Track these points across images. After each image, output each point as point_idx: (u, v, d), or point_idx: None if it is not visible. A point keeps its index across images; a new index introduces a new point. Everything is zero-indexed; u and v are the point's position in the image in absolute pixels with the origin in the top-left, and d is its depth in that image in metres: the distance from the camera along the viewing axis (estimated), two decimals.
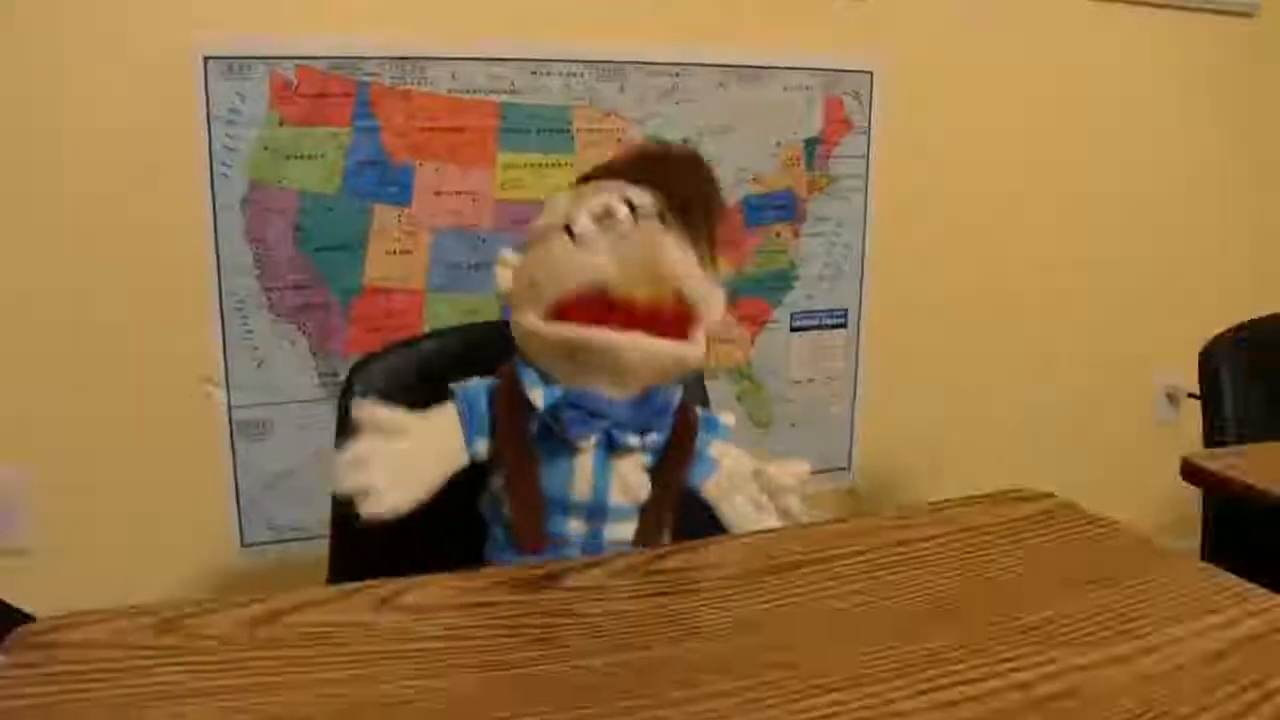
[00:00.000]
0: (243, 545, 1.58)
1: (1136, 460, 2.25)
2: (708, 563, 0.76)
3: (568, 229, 0.87)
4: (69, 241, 1.41)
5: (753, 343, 1.84)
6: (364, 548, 0.92)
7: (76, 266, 1.42)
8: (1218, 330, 1.43)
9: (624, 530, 0.90)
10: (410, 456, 0.85)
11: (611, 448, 0.88)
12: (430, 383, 1.07)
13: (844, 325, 1.92)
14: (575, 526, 0.89)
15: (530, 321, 0.88)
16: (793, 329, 1.87)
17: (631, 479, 0.89)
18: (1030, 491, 0.91)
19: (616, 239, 0.86)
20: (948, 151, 1.95)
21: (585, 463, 0.88)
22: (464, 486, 0.90)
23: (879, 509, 2.03)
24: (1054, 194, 2.07)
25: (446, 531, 0.91)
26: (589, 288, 0.85)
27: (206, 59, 1.44)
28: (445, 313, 1.62)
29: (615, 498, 0.89)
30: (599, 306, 0.85)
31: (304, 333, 1.55)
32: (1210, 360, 1.36)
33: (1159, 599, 0.71)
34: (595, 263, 0.85)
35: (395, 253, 1.58)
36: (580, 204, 0.88)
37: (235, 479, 1.56)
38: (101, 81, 1.39)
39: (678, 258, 0.86)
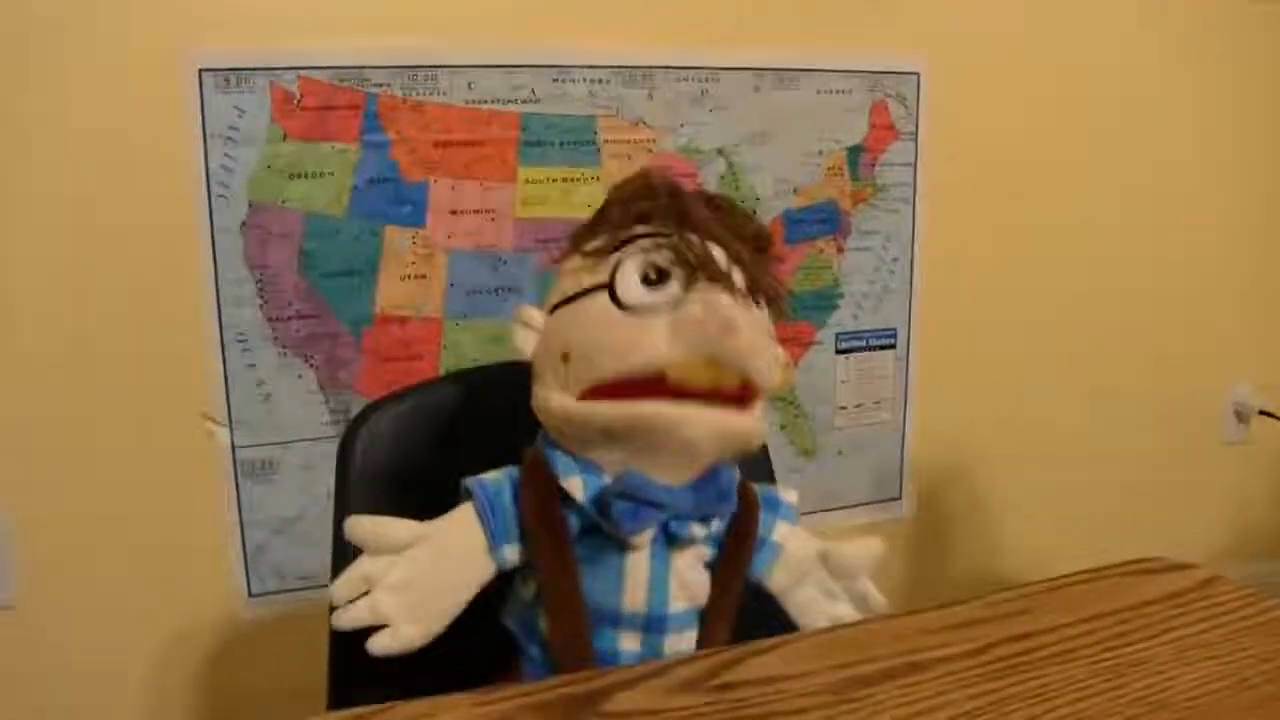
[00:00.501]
0: (250, 596, 1.46)
1: (1203, 483, 2.12)
2: (781, 673, 0.63)
3: (610, 289, 0.72)
4: (57, 269, 1.31)
5: (796, 366, 1.71)
6: (368, 670, 0.80)
7: (65, 296, 1.32)
8: None
9: (685, 642, 0.75)
10: (425, 577, 0.72)
11: (670, 542, 0.74)
12: (446, 435, 0.95)
13: (893, 346, 1.78)
14: (628, 643, 0.74)
15: (563, 404, 0.73)
16: (838, 351, 1.74)
17: (691, 578, 0.74)
18: (1167, 560, 0.78)
19: (671, 309, 0.71)
20: (1002, 157, 1.81)
21: (639, 564, 0.73)
22: (487, 594, 0.76)
23: (935, 543, 1.92)
24: (1117, 200, 1.92)
25: (467, 650, 0.78)
26: (645, 368, 0.70)
27: (202, 71, 1.32)
28: (465, 341, 1.50)
29: (675, 604, 0.74)
30: (653, 385, 0.70)
31: (311, 366, 1.43)
32: None
33: None
34: (652, 345, 0.70)
35: (409, 278, 1.46)
36: (627, 258, 0.73)
37: (240, 525, 1.44)
38: (87, 97, 1.28)
39: (748, 337, 0.70)
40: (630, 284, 0.72)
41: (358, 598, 0.71)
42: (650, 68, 1.54)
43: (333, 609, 0.71)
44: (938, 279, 1.78)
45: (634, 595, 0.73)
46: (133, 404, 1.36)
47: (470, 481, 0.76)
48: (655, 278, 0.72)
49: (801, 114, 1.64)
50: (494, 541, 0.74)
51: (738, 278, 0.73)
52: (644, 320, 0.70)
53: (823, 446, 1.76)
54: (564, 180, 1.51)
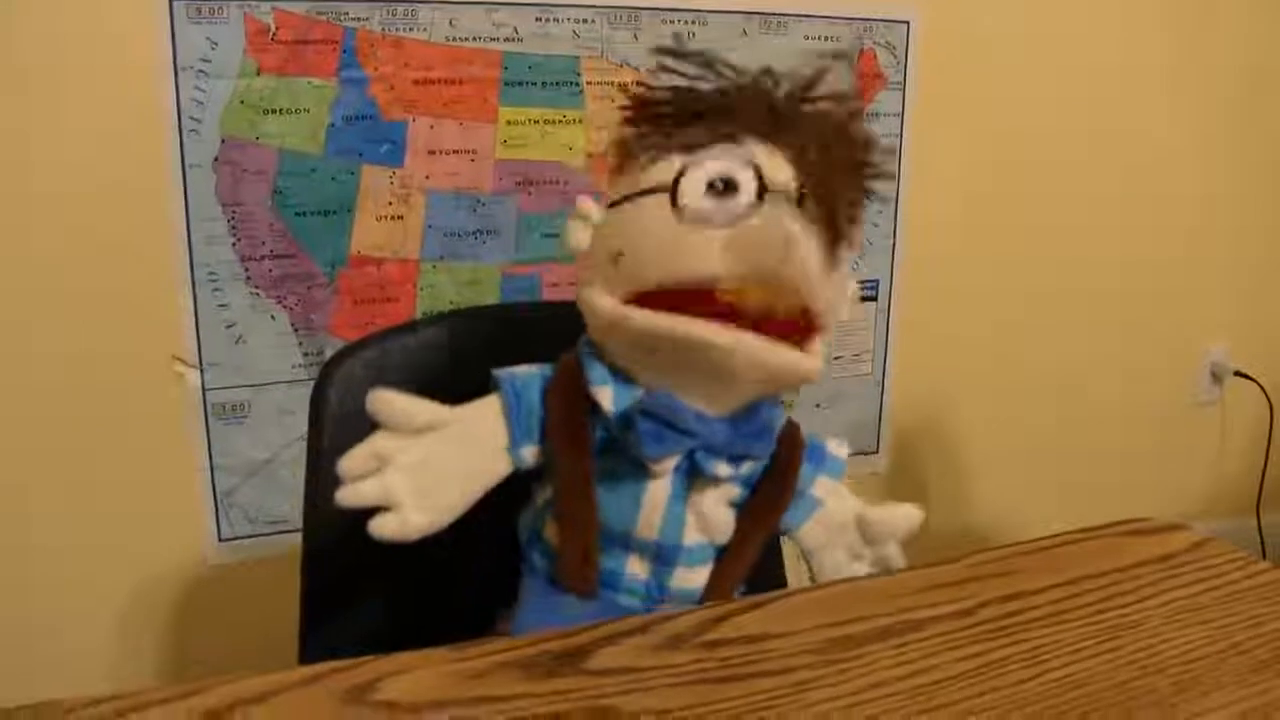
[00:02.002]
0: (220, 540, 1.44)
1: (1179, 443, 2.13)
2: (768, 631, 0.61)
3: (673, 193, 0.66)
4: (20, 204, 1.26)
5: None
6: (341, 617, 0.78)
7: (29, 232, 1.27)
8: (1272, 307, 1.27)
9: (696, 577, 0.72)
10: (440, 463, 0.68)
11: (694, 475, 0.70)
12: (421, 379, 0.93)
13: (874, 298, 1.77)
14: (635, 568, 0.71)
15: (608, 305, 0.68)
16: None
17: (714, 516, 0.70)
18: (1157, 522, 0.76)
19: (735, 222, 0.64)
20: (993, 111, 1.78)
21: (659, 491, 0.70)
22: (499, 492, 0.72)
23: (911, 497, 1.91)
24: (1101, 162, 1.90)
25: (471, 549, 0.76)
26: (692, 279, 0.65)
27: (173, 1, 1.27)
28: (442, 284, 1.47)
29: (690, 537, 0.71)
30: (701, 298, 0.65)
31: (285, 307, 1.40)
32: None
33: None
34: (706, 252, 0.64)
35: (386, 218, 1.42)
36: (694, 164, 0.66)
37: (211, 468, 1.42)
38: (51, 23, 1.23)
39: (810, 264, 0.64)
40: (693, 189, 0.65)
41: (367, 475, 0.66)
42: (636, 8, 1.50)
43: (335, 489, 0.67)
44: (921, 232, 1.76)
45: (648, 521, 0.70)
46: (101, 344, 1.32)
47: (501, 374, 0.72)
48: (723, 187, 0.65)
49: (789, 59, 1.60)
50: (515, 438, 0.71)
51: (815, 207, 0.66)
52: (704, 231, 0.65)
53: (801, 398, 1.74)
54: (546, 121, 1.48)
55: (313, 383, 0.89)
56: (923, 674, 0.58)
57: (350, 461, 0.66)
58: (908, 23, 1.67)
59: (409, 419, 0.67)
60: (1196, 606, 0.66)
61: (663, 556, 0.71)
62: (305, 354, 1.42)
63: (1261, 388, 2.04)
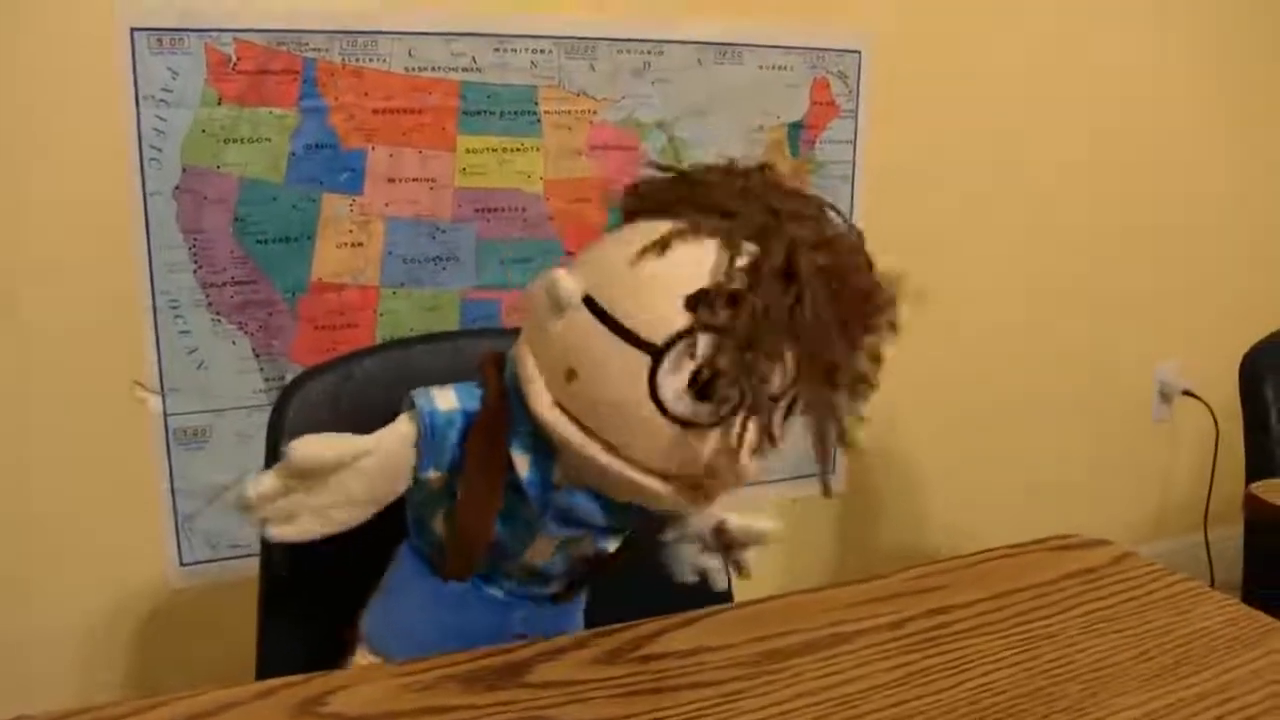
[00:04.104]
0: (181, 564, 1.45)
1: (1130, 462, 2.18)
2: (702, 644, 0.64)
3: (652, 377, 0.61)
4: None
5: None
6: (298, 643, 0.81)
7: None
8: (1220, 327, 1.32)
9: (558, 583, 0.77)
10: (345, 490, 0.69)
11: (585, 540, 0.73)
12: (380, 404, 0.95)
13: None
14: (510, 572, 0.75)
15: (551, 418, 0.65)
16: None
17: (589, 551, 0.74)
18: (1083, 538, 0.80)
19: (706, 437, 0.63)
20: (942, 138, 1.83)
21: (546, 546, 0.72)
22: None
23: (865, 517, 1.95)
24: (1054, 186, 1.95)
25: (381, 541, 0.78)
26: (640, 463, 0.64)
27: (134, 30, 1.29)
28: (402, 310, 1.49)
29: (564, 565, 0.75)
30: None
31: (246, 333, 1.42)
32: (1253, 371, 1.24)
33: (1263, 684, 0.61)
34: (659, 453, 0.63)
35: (346, 245, 1.44)
36: (676, 356, 0.61)
37: (172, 493, 1.43)
38: (13, 53, 1.24)
39: (748, 477, 0.65)
40: (677, 388, 0.61)
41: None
42: (593, 39, 1.53)
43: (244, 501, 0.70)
44: (874, 256, 1.79)
45: (536, 553, 0.73)
46: (62, 369, 1.33)
47: (422, 404, 0.70)
48: (706, 381, 0.61)
49: (743, 89, 1.65)
50: (422, 465, 0.71)
51: (808, 403, 0.65)
52: (664, 427, 0.62)
53: None
54: (504, 150, 1.50)
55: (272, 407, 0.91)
56: (849, 684, 0.61)
57: (257, 492, 0.69)
58: (859, 52, 1.72)
59: (320, 467, 0.68)
60: (1112, 617, 0.69)
61: (537, 577, 0.75)
62: (266, 379, 1.43)
63: (1208, 407, 2.09)
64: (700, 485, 0.66)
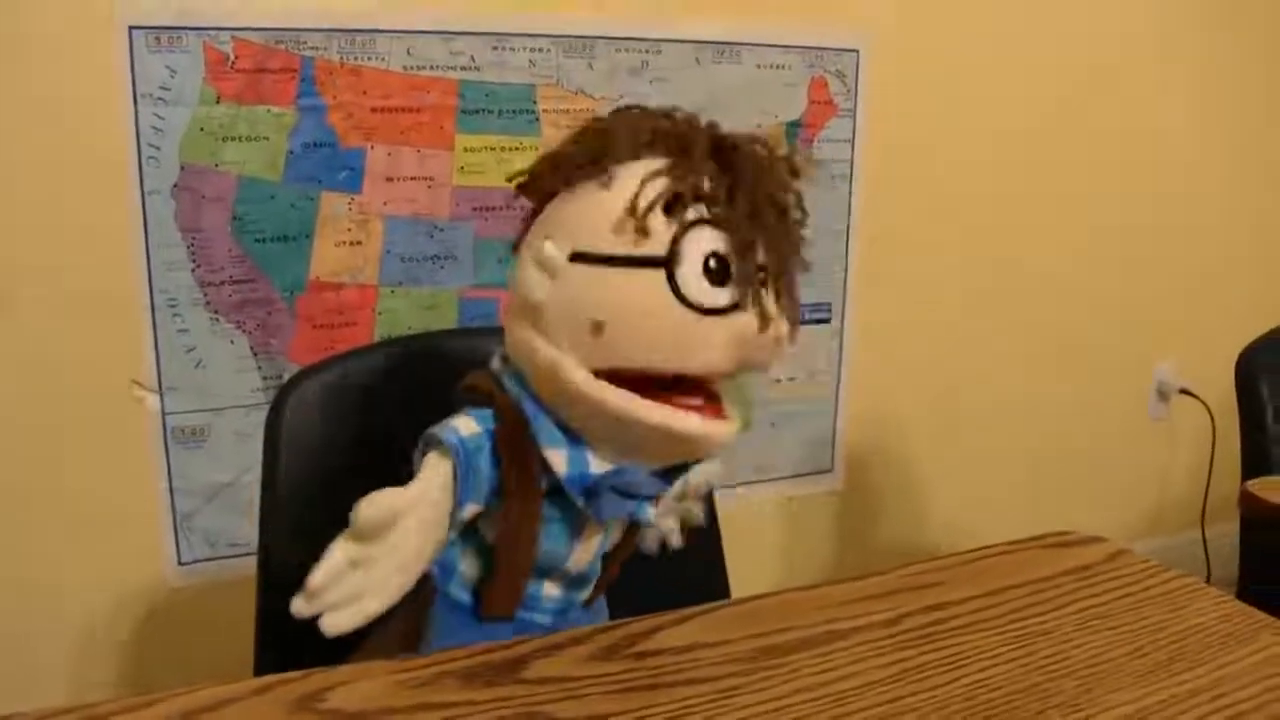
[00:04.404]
0: (179, 564, 1.45)
1: (1129, 460, 2.18)
2: (698, 641, 0.64)
3: (669, 272, 0.64)
4: None
5: None
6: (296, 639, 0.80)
7: None
8: (1217, 326, 1.32)
9: (589, 590, 0.76)
10: (397, 556, 0.63)
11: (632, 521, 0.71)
12: (378, 403, 0.95)
13: (827, 320, 1.80)
14: (551, 591, 0.73)
15: (582, 380, 0.65)
16: None
17: (660, 533, 0.72)
18: (1079, 535, 0.80)
19: (740, 318, 0.64)
20: (940, 137, 1.83)
21: (596, 533, 0.71)
22: None
23: (865, 514, 1.95)
24: (1053, 185, 1.96)
25: None
26: (699, 372, 0.65)
27: (132, 29, 1.29)
28: (400, 309, 1.49)
29: (598, 569, 0.75)
30: (686, 385, 0.66)
31: (244, 332, 1.42)
32: (1249, 369, 1.25)
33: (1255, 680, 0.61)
34: (713, 346, 0.64)
35: (344, 244, 1.45)
36: (687, 245, 0.64)
37: (170, 491, 1.43)
38: (12, 51, 1.25)
39: (787, 352, 0.67)
40: (694, 276, 0.64)
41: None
42: (591, 38, 1.54)
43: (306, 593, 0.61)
44: (872, 255, 1.80)
45: (580, 557, 0.72)
46: (60, 369, 1.34)
47: (447, 437, 0.66)
48: (716, 268, 0.64)
49: (741, 88, 1.65)
50: (460, 502, 0.66)
51: (785, 272, 0.67)
52: (706, 322, 0.64)
53: (756, 417, 1.77)
54: (502, 149, 1.51)
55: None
56: (845, 680, 0.61)
57: (321, 579, 0.60)
58: (857, 51, 1.72)
59: (376, 532, 0.61)
60: (1107, 613, 0.69)
61: (581, 580, 0.74)
62: (264, 378, 1.44)
63: (1205, 405, 2.09)
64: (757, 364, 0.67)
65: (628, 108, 0.73)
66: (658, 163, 0.66)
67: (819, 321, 1.80)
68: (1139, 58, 1.99)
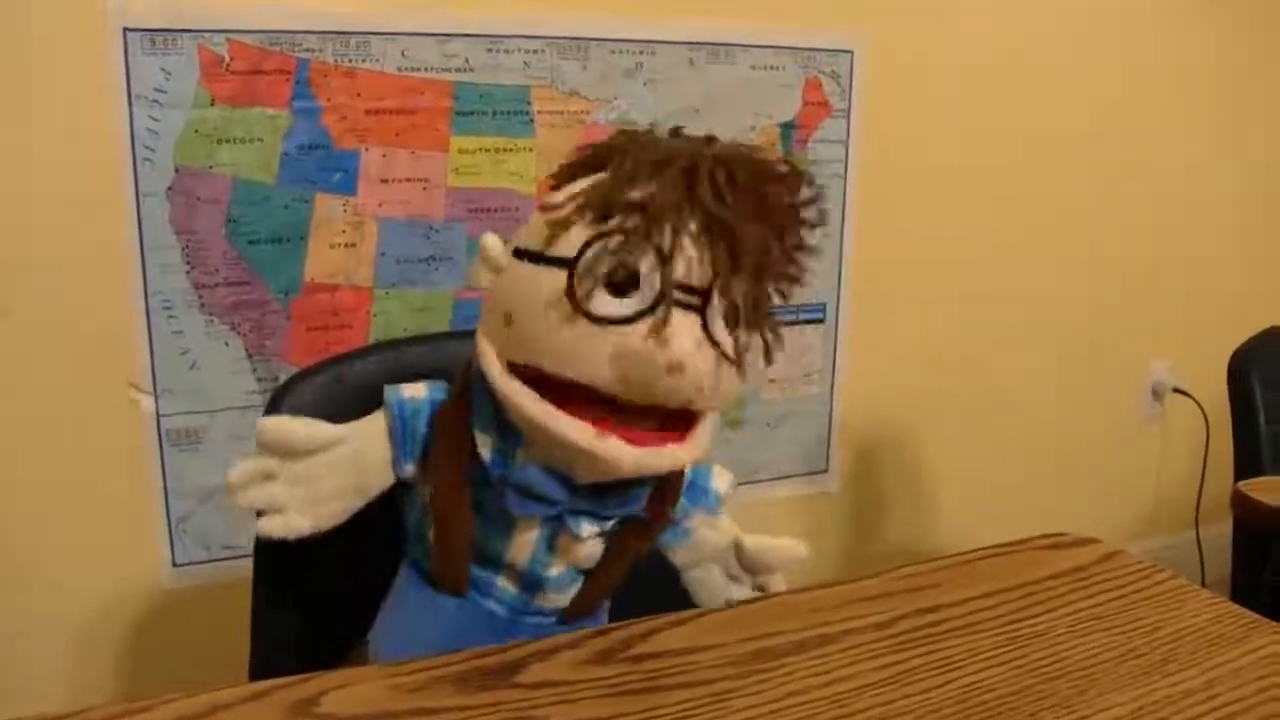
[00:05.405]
0: (174, 565, 1.45)
1: (1125, 459, 2.18)
2: (693, 644, 0.64)
3: (569, 277, 0.63)
4: None
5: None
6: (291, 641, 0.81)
7: None
8: (1212, 326, 1.33)
9: (562, 598, 0.76)
10: (324, 480, 0.73)
11: (560, 528, 0.72)
12: (372, 405, 0.95)
13: (821, 320, 1.81)
14: (506, 583, 0.75)
15: (495, 373, 0.67)
16: None
17: (577, 550, 0.73)
18: (1071, 536, 0.80)
19: (630, 322, 0.62)
20: (934, 137, 1.83)
21: (526, 531, 0.72)
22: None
23: (861, 515, 1.96)
24: (1048, 185, 1.96)
25: (369, 538, 0.79)
26: (575, 379, 0.64)
27: (127, 30, 1.29)
28: (395, 311, 1.49)
29: (555, 569, 0.74)
30: (585, 391, 0.65)
31: (239, 334, 1.42)
32: (1241, 369, 1.25)
33: (1248, 680, 0.61)
34: (594, 358, 0.63)
35: (339, 246, 1.44)
36: (597, 252, 0.63)
37: (165, 493, 1.43)
38: (7, 52, 1.24)
39: (701, 377, 0.63)
40: (598, 292, 0.63)
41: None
42: (585, 39, 1.54)
43: (229, 486, 0.72)
44: (867, 256, 1.80)
45: (517, 553, 0.73)
46: (55, 371, 1.33)
47: (391, 396, 0.75)
48: (624, 281, 0.63)
49: (735, 89, 1.65)
50: (400, 455, 0.74)
51: (728, 295, 0.63)
52: (594, 331, 0.63)
53: (751, 418, 1.78)
54: (497, 150, 1.51)
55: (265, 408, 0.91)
56: (840, 682, 0.61)
57: (238, 475, 0.71)
58: (851, 52, 1.72)
59: (289, 444, 0.72)
60: (1100, 615, 0.70)
61: (530, 582, 0.75)
62: (259, 380, 1.44)
63: (1199, 404, 2.10)
64: (655, 409, 0.65)
65: (647, 130, 0.74)
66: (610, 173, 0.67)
67: (813, 322, 1.80)
68: (1136, 57, 2.00)
